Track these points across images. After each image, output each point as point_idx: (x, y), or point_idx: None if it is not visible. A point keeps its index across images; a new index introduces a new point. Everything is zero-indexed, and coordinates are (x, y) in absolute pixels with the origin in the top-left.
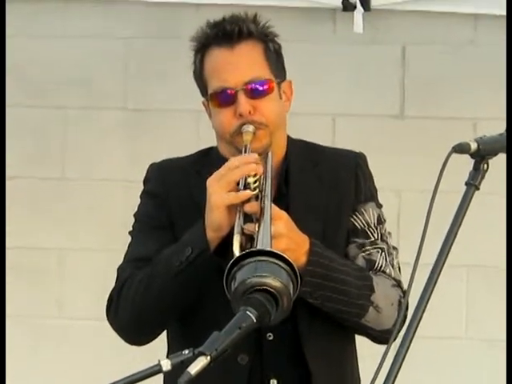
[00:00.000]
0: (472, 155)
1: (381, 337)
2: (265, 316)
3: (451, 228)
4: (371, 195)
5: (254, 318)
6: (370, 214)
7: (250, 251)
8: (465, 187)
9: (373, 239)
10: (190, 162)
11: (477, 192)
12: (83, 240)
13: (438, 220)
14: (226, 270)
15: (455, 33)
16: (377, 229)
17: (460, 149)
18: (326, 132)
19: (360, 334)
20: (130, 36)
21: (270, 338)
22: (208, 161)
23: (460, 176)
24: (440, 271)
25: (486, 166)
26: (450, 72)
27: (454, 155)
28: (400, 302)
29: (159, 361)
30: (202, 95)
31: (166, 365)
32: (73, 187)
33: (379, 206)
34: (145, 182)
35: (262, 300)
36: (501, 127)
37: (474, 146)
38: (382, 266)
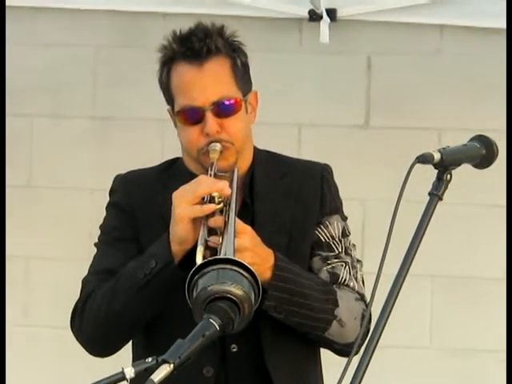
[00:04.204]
0: (435, 165)
1: (344, 350)
2: (228, 324)
3: (414, 238)
4: (336, 208)
5: (217, 326)
6: (334, 226)
7: (213, 259)
8: (428, 197)
9: (337, 252)
10: (155, 174)
11: (440, 202)
12: (49, 248)
13: (402, 229)
14: (188, 278)
15: (421, 43)
16: (341, 242)
17: (423, 159)
18: (291, 142)
19: (324, 347)
20: (97, 44)
21: (234, 350)
22: (174, 173)
23: (425, 186)
24: (403, 281)
25: (449, 176)
26: (415, 82)
27: (419, 165)
28: (363, 316)
29: (122, 368)
30: (168, 104)
31: (130, 372)
32: (39, 195)
33: (344, 218)
34: (110, 193)
35: (226, 308)
36: (465, 138)
37: (437, 156)
38: (345, 279)
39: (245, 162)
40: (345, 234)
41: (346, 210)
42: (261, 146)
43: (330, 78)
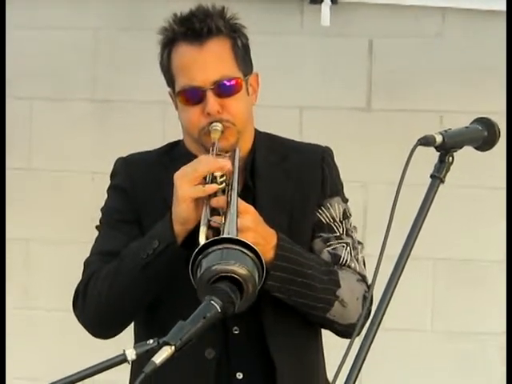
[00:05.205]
0: (437, 148)
1: (346, 331)
2: (229, 306)
3: (416, 221)
4: (337, 190)
5: (218, 308)
6: (335, 208)
7: (216, 239)
8: (430, 180)
9: (338, 234)
10: (157, 157)
11: (442, 185)
12: (49, 231)
13: (404, 212)
14: (192, 258)
15: (423, 26)
16: (342, 223)
17: (425, 141)
18: (293, 124)
19: (325, 328)
20: (97, 27)
21: (236, 332)
22: (175, 155)
23: (426, 168)
24: (405, 263)
25: (451, 158)
26: (417, 65)
27: (422, 148)
28: (365, 297)
29: (124, 350)
30: (169, 86)
31: (131, 354)
32: (39, 178)
33: (345, 200)
34: (112, 176)
35: (227, 290)
36: (467, 120)
37: (439, 138)
38: (347, 260)
39: (246, 144)
40: (346, 215)
41: (347, 193)
42: (262, 129)
43: (332, 60)
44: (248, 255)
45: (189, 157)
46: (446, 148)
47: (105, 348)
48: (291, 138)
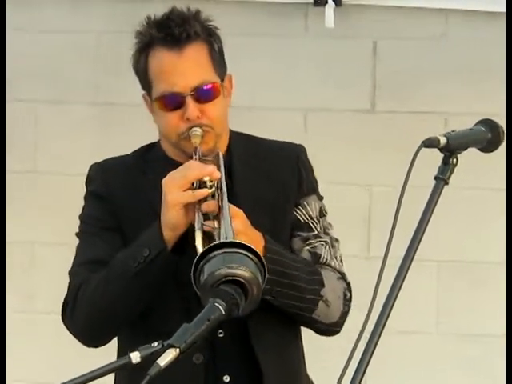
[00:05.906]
0: (441, 150)
1: (327, 330)
2: (234, 307)
3: (420, 223)
4: (313, 188)
5: (222, 310)
6: (312, 206)
7: (216, 244)
8: (434, 181)
9: (316, 232)
10: (132, 160)
11: (447, 186)
12: (53, 234)
13: (408, 214)
14: (194, 264)
15: (426, 27)
16: (319, 221)
17: (429, 143)
18: (297, 127)
19: (307, 327)
20: (99, 30)
21: (221, 335)
22: (151, 158)
23: (431, 170)
24: (409, 266)
25: (455, 160)
26: (421, 67)
27: (426, 150)
28: (345, 295)
29: (128, 353)
30: (144, 89)
31: (136, 357)
32: (42, 181)
33: (320, 198)
34: (87, 182)
35: (231, 292)
36: (471, 122)
37: (443, 140)
38: (327, 259)
39: (222, 145)
40: (322, 213)
41: (352, 195)
42: (266, 131)
43: (336, 62)
44: (250, 258)
45: (166, 160)
46: (450, 150)
47: (105, 352)
48: (296, 140)
